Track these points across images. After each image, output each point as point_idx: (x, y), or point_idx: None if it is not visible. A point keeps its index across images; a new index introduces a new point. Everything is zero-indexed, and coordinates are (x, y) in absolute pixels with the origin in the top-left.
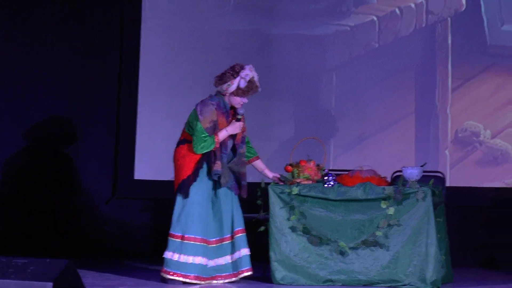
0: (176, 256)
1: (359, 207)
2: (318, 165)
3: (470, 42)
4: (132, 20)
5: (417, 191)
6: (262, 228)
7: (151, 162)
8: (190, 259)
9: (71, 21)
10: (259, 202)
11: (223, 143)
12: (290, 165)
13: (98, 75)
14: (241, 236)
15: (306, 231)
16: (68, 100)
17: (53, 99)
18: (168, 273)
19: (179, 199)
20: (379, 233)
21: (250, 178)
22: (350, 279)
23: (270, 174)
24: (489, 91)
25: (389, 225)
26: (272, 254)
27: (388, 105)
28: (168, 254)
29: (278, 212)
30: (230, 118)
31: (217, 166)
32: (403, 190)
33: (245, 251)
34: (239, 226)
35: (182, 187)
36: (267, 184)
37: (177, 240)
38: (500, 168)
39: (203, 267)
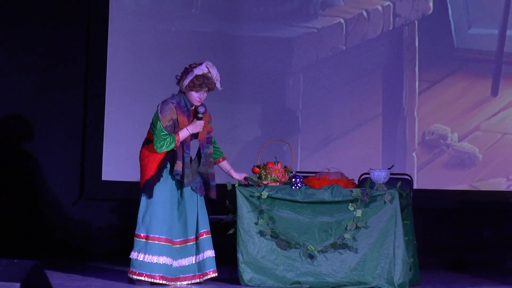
0: (141, 256)
1: (327, 209)
2: (285, 167)
3: (437, 45)
4: (99, 20)
5: (385, 194)
6: (231, 231)
7: (119, 163)
8: (154, 259)
9: (38, 21)
10: (228, 204)
11: (185, 143)
12: (257, 166)
13: (65, 75)
14: (205, 238)
15: (274, 236)
16: (35, 100)
17: (20, 99)
18: (134, 273)
19: (143, 199)
20: (347, 236)
21: (219, 179)
22: (318, 281)
23: (236, 175)
24: (456, 94)
25: (357, 227)
26: (239, 256)
27: (355, 107)
28: (133, 255)
29: (245, 214)
30: (191, 117)
31: (178, 166)
32: (371, 193)
33: (209, 253)
34: (204, 228)
35: (145, 187)
36: (234, 185)
37: (142, 240)
38: (467, 171)
39: (168, 267)
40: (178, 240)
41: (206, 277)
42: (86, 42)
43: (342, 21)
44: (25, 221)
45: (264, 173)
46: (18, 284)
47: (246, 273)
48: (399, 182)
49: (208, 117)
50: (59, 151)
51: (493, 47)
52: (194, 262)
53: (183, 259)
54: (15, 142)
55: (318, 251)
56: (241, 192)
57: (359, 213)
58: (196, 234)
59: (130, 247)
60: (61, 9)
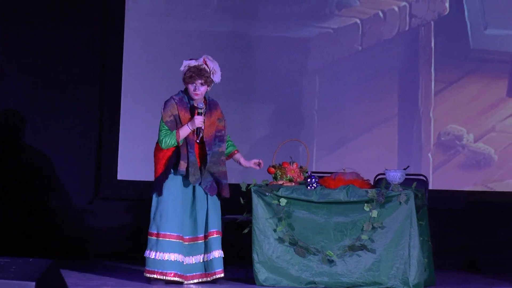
0: (153, 254)
1: (342, 210)
2: (301, 167)
3: (453, 45)
4: (115, 20)
5: (400, 194)
6: (246, 230)
7: (134, 162)
8: (166, 256)
9: (54, 21)
10: (243, 202)
11: (189, 141)
12: (273, 167)
13: (81, 75)
14: (214, 237)
15: (293, 242)
16: (51, 100)
17: (36, 99)
18: (149, 271)
19: (154, 197)
20: (364, 237)
21: (234, 179)
22: (333, 281)
23: (244, 163)
24: (472, 94)
25: (373, 227)
26: (254, 256)
27: (371, 108)
28: (147, 253)
29: (261, 214)
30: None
31: (181, 166)
32: (386, 193)
33: (216, 254)
34: (214, 227)
35: (155, 184)
36: (249, 185)
37: (153, 238)
38: (482, 172)
39: (180, 264)
40: (188, 237)
41: (214, 277)
42: (102, 43)
43: (358, 21)
44: (41, 220)
45: (280, 173)
46: (33, 283)
47: (261, 273)
48: (415, 183)
49: (219, 115)
50: (75, 151)
51: (509, 48)
52: (201, 261)
53: (191, 257)
54: (31, 142)
55: (337, 256)
56: (256, 192)
57: (374, 213)
58: (205, 233)
59: (145, 246)
60: (77, 9)
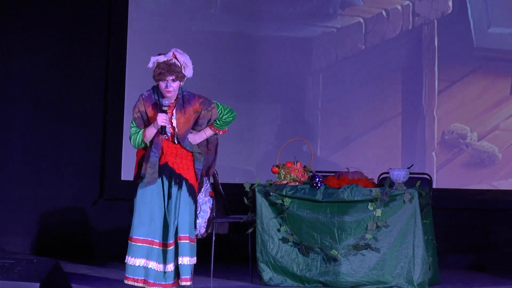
0: (127, 259)
1: (346, 209)
2: (304, 167)
3: (456, 44)
4: (118, 21)
5: (404, 193)
6: (250, 230)
7: None
8: (136, 261)
9: (59, 21)
10: (247, 202)
11: (154, 141)
12: (277, 166)
13: (85, 76)
14: (183, 243)
15: (297, 242)
16: (55, 101)
17: (40, 99)
18: (125, 277)
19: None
20: (369, 236)
21: (237, 178)
22: (338, 281)
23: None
24: (475, 93)
25: (377, 226)
26: (259, 255)
27: (375, 107)
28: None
29: (265, 214)
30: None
31: (143, 168)
32: (390, 192)
33: (185, 260)
34: (183, 232)
35: (133, 187)
36: (253, 185)
37: (129, 242)
38: (486, 170)
39: (146, 269)
40: (158, 241)
41: (179, 284)
42: (106, 43)
43: (362, 20)
44: (45, 221)
45: (284, 172)
46: (38, 284)
47: (266, 273)
48: (419, 182)
49: (196, 107)
50: (79, 152)
51: None
52: (172, 269)
53: (162, 264)
54: (35, 143)
55: (341, 255)
56: (259, 192)
57: (379, 212)
58: (174, 238)
59: None
60: (81, 9)
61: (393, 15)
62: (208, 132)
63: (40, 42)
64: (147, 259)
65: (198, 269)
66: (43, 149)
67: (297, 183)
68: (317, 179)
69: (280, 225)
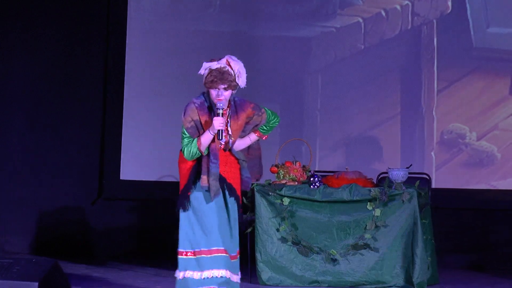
0: (189, 274)
1: (345, 209)
2: (303, 166)
3: (455, 44)
4: (117, 21)
5: (403, 193)
6: (249, 230)
7: (137, 162)
8: (207, 273)
9: (58, 21)
10: (246, 202)
11: (211, 150)
12: (276, 166)
13: (84, 76)
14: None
15: (296, 242)
16: (54, 100)
17: (39, 99)
18: None
19: (180, 213)
20: (367, 236)
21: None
22: (337, 281)
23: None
24: (474, 93)
25: (376, 226)
26: (258, 255)
27: (374, 107)
28: (179, 274)
29: (264, 213)
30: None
31: (203, 181)
32: (389, 192)
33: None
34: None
35: (180, 199)
36: (252, 184)
37: (185, 257)
38: (485, 170)
39: (227, 280)
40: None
41: None
42: (105, 42)
43: (361, 20)
44: (44, 220)
45: (283, 172)
46: (36, 284)
47: (265, 272)
48: (418, 181)
49: (249, 113)
50: (79, 151)
51: None
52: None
53: (236, 275)
54: (34, 142)
55: (340, 255)
56: (259, 192)
57: (377, 212)
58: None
59: (148, 247)
60: (80, 9)
61: (392, 15)
62: (252, 138)
63: (39, 42)
64: (225, 270)
65: None
66: (42, 148)
67: (296, 183)
68: (316, 179)
69: (279, 225)
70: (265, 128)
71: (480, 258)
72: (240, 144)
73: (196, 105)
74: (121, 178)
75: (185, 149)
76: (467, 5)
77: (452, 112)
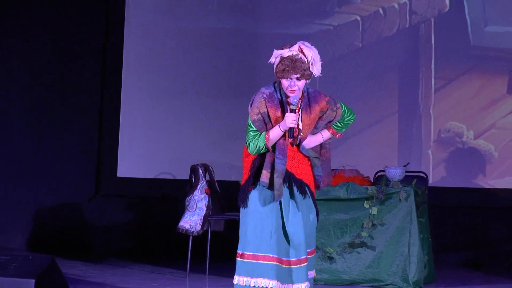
0: (237, 279)
1: (342, 207)
2: None
3: (453, 42)
4: (115, 18)
5: (400, 191)
6: None
7: (134, 160)
8: (251, 282)
9: (57, 18)
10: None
11: (278, 145)
12: None
13: (82, 73)
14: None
15: None
16: (52, 97)
17: (37, 96)
18: None
19: (241, 209)
20: (364, 234)
21: (233, 176)
22: (333, 279)
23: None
24: (472, 91)
25: (373, 224)
26: None
27: (371, 105)
28: (235, 279)
29: None
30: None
31: (263, 176)
32: (386, 190)
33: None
34: (311, 247)
35: (240, 194)
36: None
37: (239, 259)
38: (482, 169)
39: None
40: (286, 259)
41: None
42: (103, 41)
43: (359, 18)
44: (41, 217)
45: None
46: (33, 281)
47: None
48: (415, 180)
49: (322, 106)
50: (76, 148)
51: (510, 45)
52: None
53: (286, 285)
54: (33, 140)
55: (337, 253)
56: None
57: (374, 210)
58: (303, 255)
59: (145, 244)
60: (78, 7)
61: (390, 13)
62: (325, 135)
63: (37, 41)
64: (270, 279)
65: (193, 267)
66: (39, 145)
67: None
68: None
69: None
70: (339, 125)
71: (477, 256)
72: (311, 141)
73: (265, 95)
74: (118, 175)
75: (251, 142)
76: (465, 4)
77: (449, 111)
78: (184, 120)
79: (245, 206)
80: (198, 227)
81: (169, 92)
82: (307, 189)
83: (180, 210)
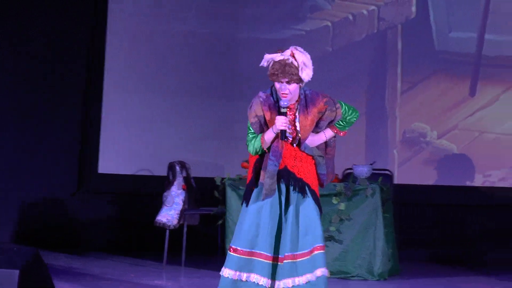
0: (226, 272)
1: None
2: None
3: (419, 47)
4: (99, 20)
5: (367, 188)
6: (220, 222)
7: (114, 157)
8: (236, 274)
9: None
10: (216, 194)
11: (272, 147)
12: (246, 161)
13: (65, 72)
14: (320, 253)
15: None
16: (35, 94)
17: (19, 92)
18: None
19: (242, 208)
20: (332, 228)
21: (208, 173)
22: None
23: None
24: (436, 94)
25: (340, 219)
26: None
27: None
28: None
29: (234, 206)
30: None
31: (261, 177)
32: (353, 187)
33: (320, 271)
34: (319, 242)
35: (245, 193)
36: (223, 179)
37: (230, 253)
38: (445, 167)
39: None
40: (281, 256)
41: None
42: (87, 41)
43: (330, 24)
44: (25, 212)
45: None
46: (17, 271)
47: None
48: (380, 177)
49: (320, 107)
50: (59, 146)
51: (472, 50)
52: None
53: (268, 279)
54: (16, 136)
55: None
56: (229, 185)
57: (342, 206)
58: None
59: (125, 239)
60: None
61: (360, 19)
62: (328, 134)
63: (22, 40)
64: (248, 273)
65: (170, 259)
66: (23, 141)
67: None
68: None
69: None
70: (341, 123)
71: (438, 251)
72: (315, 140)
73: (261, 99)
74: (99, 171)
75: (249, 144)
76: (431, 11)
77: (414, 112)
78: (162, 119)
79: (246, 204)
80: (175, 221)
81: (149, 92)
82: (307, 188)
83: (158, 205)
